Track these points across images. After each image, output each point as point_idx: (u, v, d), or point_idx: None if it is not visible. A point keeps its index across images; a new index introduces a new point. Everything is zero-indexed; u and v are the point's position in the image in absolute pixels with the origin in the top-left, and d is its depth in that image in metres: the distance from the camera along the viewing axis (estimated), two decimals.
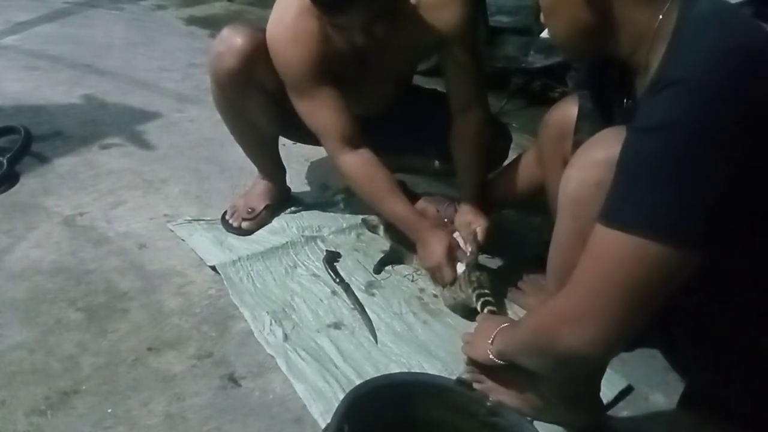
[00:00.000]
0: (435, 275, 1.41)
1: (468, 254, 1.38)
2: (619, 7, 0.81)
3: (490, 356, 1.03)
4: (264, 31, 1.36)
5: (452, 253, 1.38)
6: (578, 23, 0.85)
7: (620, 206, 0.72)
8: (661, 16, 0.78)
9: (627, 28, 0.82)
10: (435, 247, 1.38)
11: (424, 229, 1.42)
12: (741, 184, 0.68)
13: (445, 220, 1.46)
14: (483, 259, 1.55)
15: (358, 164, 1.41)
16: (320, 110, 1.38)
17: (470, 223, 1.44)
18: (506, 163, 1.56)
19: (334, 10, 1.21)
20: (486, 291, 1.33)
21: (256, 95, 1.44)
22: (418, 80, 1.71)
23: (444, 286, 1.40)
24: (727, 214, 0.69)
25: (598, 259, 0.74)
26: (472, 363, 1.11)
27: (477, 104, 1.47)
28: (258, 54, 1.36)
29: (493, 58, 2.60)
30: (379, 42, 1.26)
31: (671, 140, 0.68)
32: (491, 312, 1.28)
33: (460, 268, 1.37)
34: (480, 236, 1.42)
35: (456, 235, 1.43)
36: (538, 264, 1.48)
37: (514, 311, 1.40)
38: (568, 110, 1.15)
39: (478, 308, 1.31)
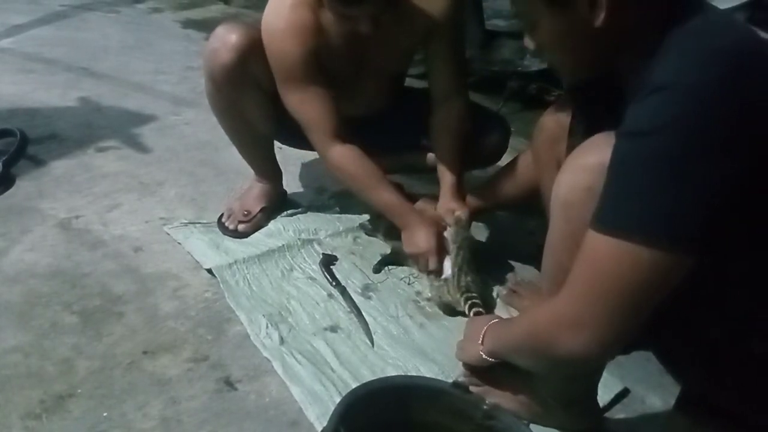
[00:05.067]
0: (419, 261, 1.42)
1: (454, 250, 1.37)
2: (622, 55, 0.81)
3: (483, 356, 1.03)
4: (259, 29, 1.35)
5: (439, 239, 1.38)
6: (586, 60, 0.84)
7: (611, 212, 0.72)
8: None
9: (633, 52, 0.81)
10: (421, 232, 1.39)
11: (412, 215, 1.43)
12: (734, 187, 0.68)
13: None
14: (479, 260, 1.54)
15: (347, 156, 1.41)
16: (310, 103, 1.37)
17: (454, 210, 1.44)
18: (503, 162, 1.56)
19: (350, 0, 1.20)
20: (474, 295, 1.33)
21: (250, 92, 1.44)
22: (414, 83, 1.71)
23: (427, 273, 1.40)
24: (721, 218, 0.69)
25: (592, 265, 0.74)
26: (468, 367, 1.11)
27: (458, 94, 1.47)
28: (253, 50, 1.36)
29: (489, 61, 2.62)
30: (375, 35, 1.26)
31: (659, 144, 0.68)
32: (477, 314, 1.28)
33: (447, 269, 1.36)
34: (464, 219, 1.42)
35: (446, 232, 1.42)
36: (534, 266, 1.49)
37: (510, 313, 1.39)
38: (562, 114, 1.16)
39: (466, 311, 1.31)
